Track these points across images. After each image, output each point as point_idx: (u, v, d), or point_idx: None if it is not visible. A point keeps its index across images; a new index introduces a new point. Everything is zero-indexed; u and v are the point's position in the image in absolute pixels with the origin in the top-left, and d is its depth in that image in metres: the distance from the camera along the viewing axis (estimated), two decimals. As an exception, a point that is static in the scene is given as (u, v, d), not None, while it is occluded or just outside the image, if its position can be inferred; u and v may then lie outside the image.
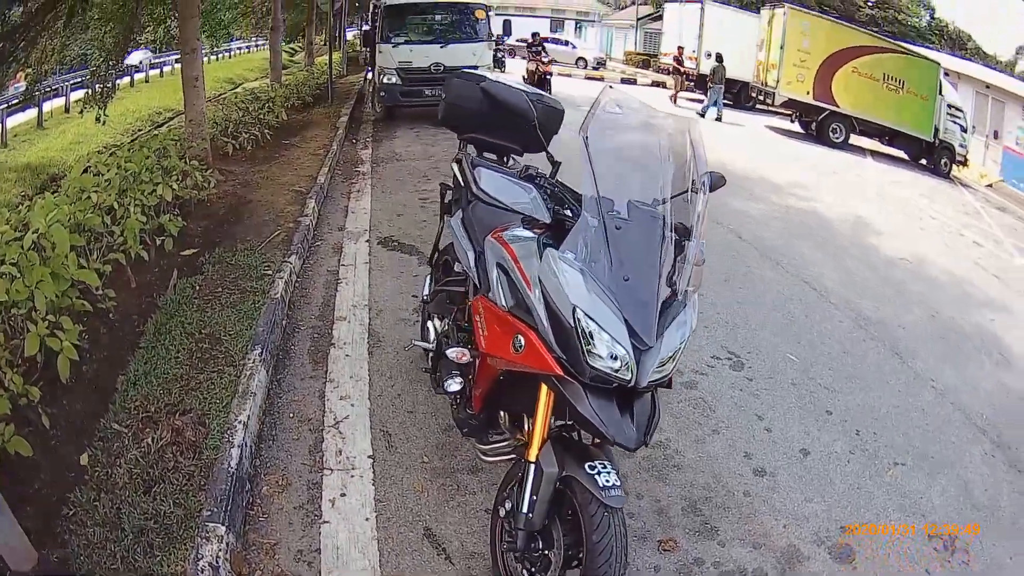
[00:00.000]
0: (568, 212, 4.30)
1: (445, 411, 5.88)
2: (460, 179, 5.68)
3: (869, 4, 28.41)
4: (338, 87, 23.60)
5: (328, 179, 12.68)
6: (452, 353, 4.56)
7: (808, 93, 28.14)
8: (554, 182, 4.52)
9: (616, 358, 3.46)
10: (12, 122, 25.70)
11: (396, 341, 7.15)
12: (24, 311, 5.26)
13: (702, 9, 35.68)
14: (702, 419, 6.34)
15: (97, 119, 15.82)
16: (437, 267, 6.33)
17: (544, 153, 5.53)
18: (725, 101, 30.81)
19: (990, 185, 30.93)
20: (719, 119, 28.84)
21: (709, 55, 31.80)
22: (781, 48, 28.33)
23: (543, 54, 26.81)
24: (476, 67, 17.96)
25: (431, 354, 5.70)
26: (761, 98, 31.18)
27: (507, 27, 23.92)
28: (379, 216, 11.09)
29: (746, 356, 7.55)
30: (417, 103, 18.96)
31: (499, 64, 28.78)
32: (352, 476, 5.23)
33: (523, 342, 3.77)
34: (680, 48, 33.57)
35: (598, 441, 3.86)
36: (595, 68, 48.30)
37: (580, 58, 51.08)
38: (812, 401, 7.01)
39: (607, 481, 3.57)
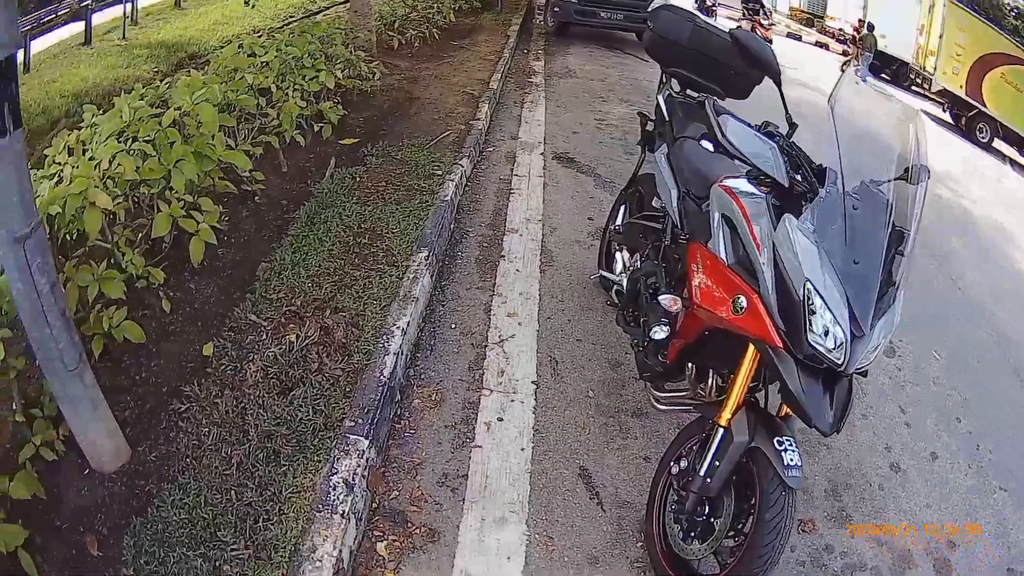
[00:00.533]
0: (799, 177, 3.92)
1: (616, 345, 5.66)
2: (665, 113, 5.55)
3: (1014, 15, 27.29)
4: None
5: (500, 85, 12.04)
6: (665, 300, 4.33)
7: (961, 87, 27.55)
8: (791, 143, 4.09)
9: (835, 339, 3.31)
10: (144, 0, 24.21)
11: (569, 263, 6.73)
12: (156, 189, 4.79)
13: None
14: (856, 401, 5.74)
15: (246, 1, 14.47)
16: (631, 197, 6.12)
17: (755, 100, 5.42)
18: (884, 77, 30.96)
19: None
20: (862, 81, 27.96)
21: (871, 26, 31.46)
22: (940, 37, 28.16)
23: (762, 13, 25.20)
24: None
25: (615, 287, 5.53)
26: (919, 81, 31.05)
27: None
28: (554, 130, 10.48)
29: (898, 344, 7.04)
30: (592, 23, 18.36)
31: (708, 12, 28.20)
32: (512, 400, 4.91)
33: (745, 303, 3.59)
34: (861, 20, 32.18)
35: (785, 413, 3.75)
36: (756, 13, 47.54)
37: (749, 4, 50.33)
38: (947, 404, 6.60)
39: (792, 459, 3.50)
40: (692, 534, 3.78)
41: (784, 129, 4.30)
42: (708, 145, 5.00)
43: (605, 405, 5.05)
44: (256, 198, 6.10)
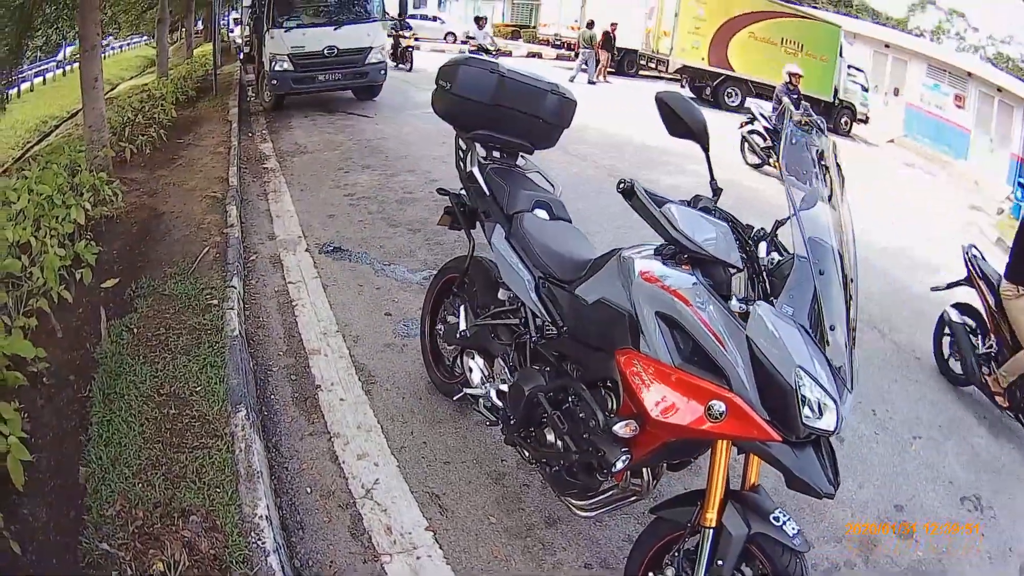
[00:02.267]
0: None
1: (486, 458, 5.42)
2: (484, 187, 5.24)
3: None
4: (220, 80, 22.79)
5: (238, 179, 11.61)
6: (620, 429, 3.83)
7: (703, 59, 29.66)
8: (724, 212, 3.81)
9: (824, 411, 3.19)
10: None
11: (392, 374, 6.35)
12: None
13: (584, -23, 36.62)
14: None
15: None
16: (463, 291, 5.73)
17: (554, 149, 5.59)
18: (609, 69, 32.47)
19: (891, 140, 33.36)
20: (592, 82, 30.33)
21: (591, 23, 32.48)
22: (676, 16, 29.64)
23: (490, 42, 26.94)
24: (371, 48, 18.46)
25: (481, 402, 5.15)
26: (652, 65, 33.20)
27: (403, 5, 23.31)
28: (307, 219, 10.19)
29: None
30: (311, 89, 18.56)
31: (403, 58, 29.13)
32: (419, 558, 4.47)
33: (724, 408, 3.34)
34: (614, 25, 32.87)
35: (753, 484, 3.69)
36: (463, 42, 48.35)
37: (449, 32, 51.32)
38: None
39: (793, 529, 3.43)
40: None
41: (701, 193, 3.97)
42: (543, 214, 4.97)
43: (512, 526, 4.79)
44: (44, 380, 5.47)
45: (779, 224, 3.68)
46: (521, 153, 5.65)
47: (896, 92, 35.36)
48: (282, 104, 18.88)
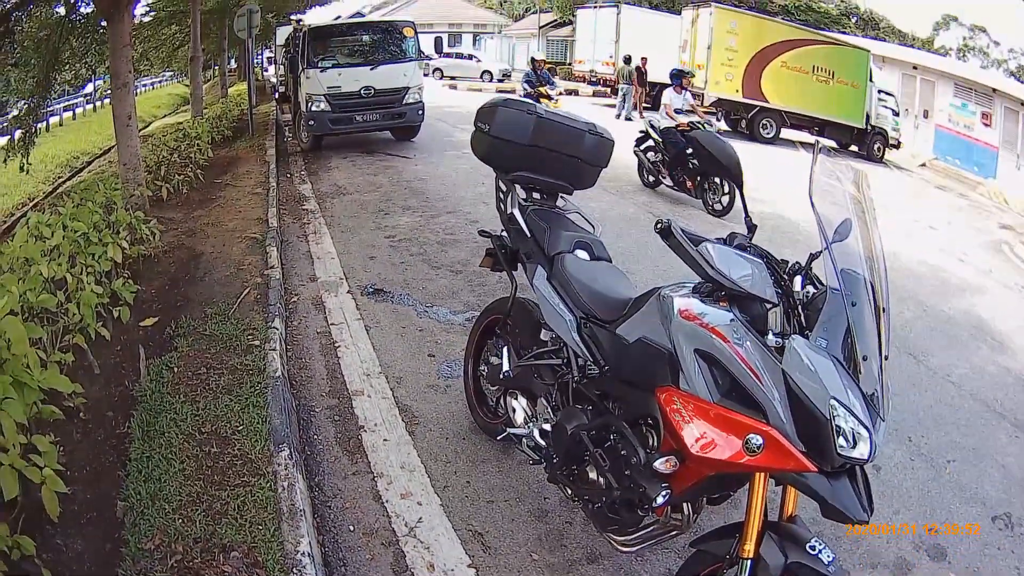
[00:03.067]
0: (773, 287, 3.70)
1: (529, 495, 5.39)
2: (525, 228, 5.31)
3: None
4: (255, 119, 22.75)
5: (278, 221, 11.64)
6: (660, 465, 3.88)
7: (737, 91, 29.04)
8: (759, 247, 3.85)
9: (857, 440, 3.19)
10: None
11: (435, 415, 6.30)
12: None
13: (618, 13, 36.75)
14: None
15: (21, 168, 15.14)
16: (505, 332, 5.75)
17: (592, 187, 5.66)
18: (646, 105, 31.94)
19: (923, 164, 32.82)
20: (629, 119, 29.94)
21: (628, 58, 32.59)
22: (708, 48, 29.05)
23: (551, 85, 24.89)
24: (407, 88, 18.39)
25: (524, 441, 5.13)
26: None
27: (439, 45, 23.25)
28: (349, 260, 10.17)
29: None
30: (348, 130, 18.51)
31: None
32: None
33: (761, 441, 3.39)
34: (644, 59, 32.92)
35: (792, 514, 3.67)
36: (500, 80, 48.47)
37: (485, 71, 51.65)
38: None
39: (829, 558, 3.41)
40: None
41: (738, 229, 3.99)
42: (584, 254, 4.97)
43: (554, 562, 4.75)
44: (81, 415, 5.46)
45: (813, 257, 3.66)
46: (561, 194, 5.68)
47: (926, 114, 35.09)
48: (320, 145, 18.90)
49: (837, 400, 3.17)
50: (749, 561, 3.46)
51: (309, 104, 18.04)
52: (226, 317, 7.47)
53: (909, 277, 12.17)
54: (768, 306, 3.61)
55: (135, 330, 6.97)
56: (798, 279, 3.63)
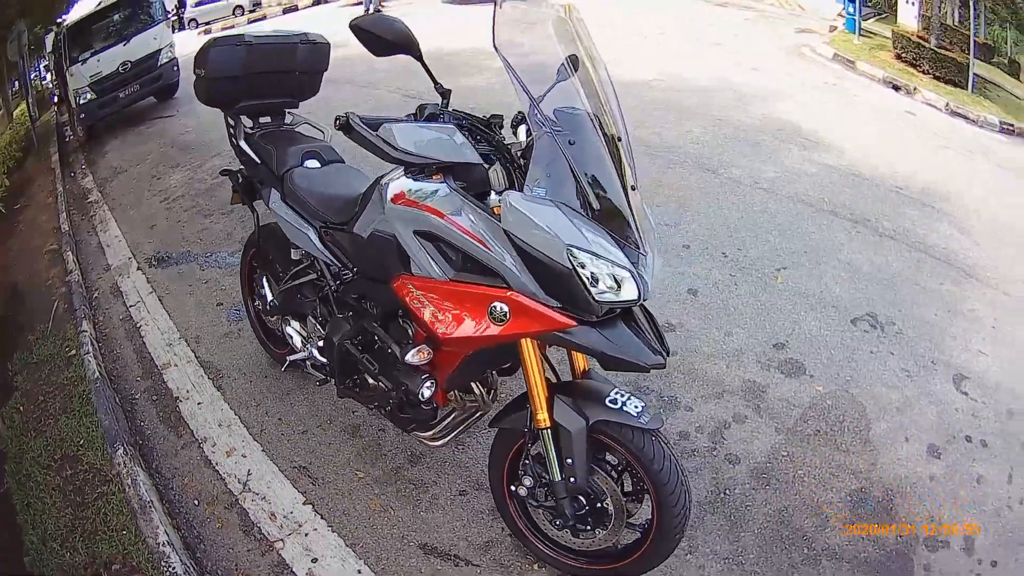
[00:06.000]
0: (483, 143, 3.56)
1: (338, 414, 5.52)
2: (254, 157, 5.19)
3: None
4: (39, 129, 22.23)
5: (69, 224, 11.53)
6: (412, 357, 3.91)
7: None
8: (456, 112, 3.69)
9: (618, 282, 3.05)
10: None
11: (235, 363, 6.46)
12: None
13: None
14: None
15: None
16: (263, 262, 5.76)
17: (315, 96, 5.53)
18: None
19: None
20: (378, 10, 27.58)
21: None
22: None
23: None
24: (159, 50, 18.07)
25: (309, 363, 5.12)
26: None
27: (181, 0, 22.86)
28: (134, 237, 10.17)
29: None
30: (115, 109, 18.06)
31: None
32: (307, 535, 4.58)
33: (506, 308, 3.26)
34: None
35: (585, 369, 3.68)
36: (251, 10, 46.82)
37: (237, 6, 49.48)
38: (663, 241, 7.02)
39: (636, 407, 3.35)
40: (593, 530, 3.67)
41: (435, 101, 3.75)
42: (314, 163, 4.95)
43: (380, 475, 4.89)
44: None
45: (534, 106, 3.28)
46: (288, 110, 5.59)
47: None
48: (94, 134, 18.35)
49: (573, 246, 3.02)
50: (548, 431, 3.42)
51: (77, 98, 17.56)
52: (45, 336, 7.55)
53: (695, 95, 12.16)
54: (486, 167, 3.38)
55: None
56: (523, 129, 3.51)
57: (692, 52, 15.97)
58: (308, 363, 5.15)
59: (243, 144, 5.30)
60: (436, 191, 3.49)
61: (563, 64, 3.41)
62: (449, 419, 4.29)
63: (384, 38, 3.47)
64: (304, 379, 5.80)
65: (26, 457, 5.76)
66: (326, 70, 5.52)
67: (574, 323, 3.13)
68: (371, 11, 28.00)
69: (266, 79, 5.23)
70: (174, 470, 5.37)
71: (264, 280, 5.73)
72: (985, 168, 10.49)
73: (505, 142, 3.47)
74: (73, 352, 7.03)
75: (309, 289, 4.95)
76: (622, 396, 3.38)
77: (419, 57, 3.63)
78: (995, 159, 11.08)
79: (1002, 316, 6.37)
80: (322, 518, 4.66)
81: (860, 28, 18.78)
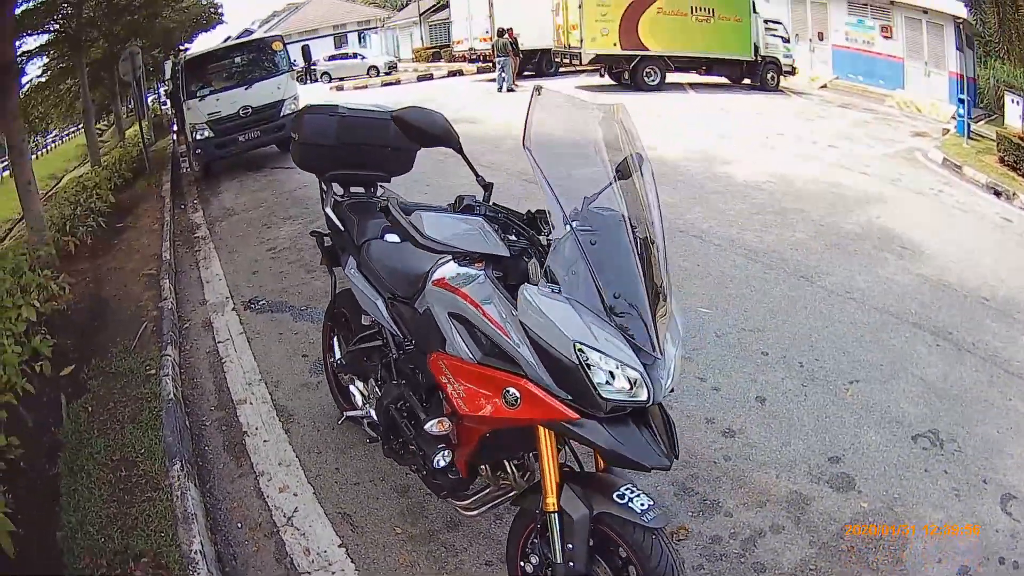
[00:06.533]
0: (513, 237, 3.64)
1: (392, 473, 5.59)
2: (339, 224, 5.39)
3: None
4: (152, 154, 22.76)
5: (171, 253, 12.03)
6: (431, 427, 4.10)
7: (615, 44, 28.64)
8: (492, 207, 3.78)
9: (630, 382, 3.12)
10: None
11: (307, 411, 6.67)
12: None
13: (488, -12, 35.28)
14: None
15: None
16: (338, 323, 5.98)
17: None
18: (529, 72, 32.62)
19: (824, 86, 32.13)
20: (511, 89, 29.57)
21: (501, 31, 31.86)
22: (580, 7, 28.62)
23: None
24: (283, 100, 18.45)
25: (366, 421, 5.32)
26: (566, 61, 31.58)
27: (307, 53, 23.41)
28: (235, 279, 10.57)
29: None
30: (233, 151, 18.50)
31: None
32: (333, 573, 4.75)
33: (518, 394, 3.36)
34: (510, 29, 32.17)
35: (605, 465, 3.66)
36: (387, 73, 47.89)
37: (371, 67, 50.79)
38: (743, 346, 7.09)
39: (642, 504, 3.33)
40: None
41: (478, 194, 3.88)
42: (393, 237, 4.95)
43: (417, 533, 4.99)
44: (21, 464, 5.97)
45: (589, 200, 3.47)
46: (380, 184, 5.73)
47: (821, 36, 33.97)
48: (210, 170, 18.87)
49: (581, 343, 3.08)
50: (555, 515, 3.42)
51: (194, 133, 18.10)
52: (128, 353, 7.91)
53: (803, 199, 12.22)
54: (526, 259, 3.51)
55: (56, 380, 7.34)
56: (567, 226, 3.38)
57: (807, 153, 16.15)
58: (365, 421, 5.36)
59: (329, 211, 5.54)
60: (474, 278, 3.67)
61: (612, 171, 3.55)
62: (483, 493, 4.36)
63: (425, 131, 3.61)
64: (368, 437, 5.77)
65: (84, 451, 6.10)
66: (419, 149, 5.40)
67: (577, 416, 3.19)
68: (503, 89, 28.42)
69: (357, 151, 5.40)
70: (226, 494, 5.67)
71: (336, 339, 6.00)
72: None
73: (548, 236, 3.57)
74: (153, 371, 7.35)
75: (374, 354, 5.12)
76: (632, 492, 3.39)
77: (459, 150, 3.74)
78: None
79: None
80: (352, 562, 4.82)
81: (969, 131, 18.52)
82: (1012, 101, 18.06)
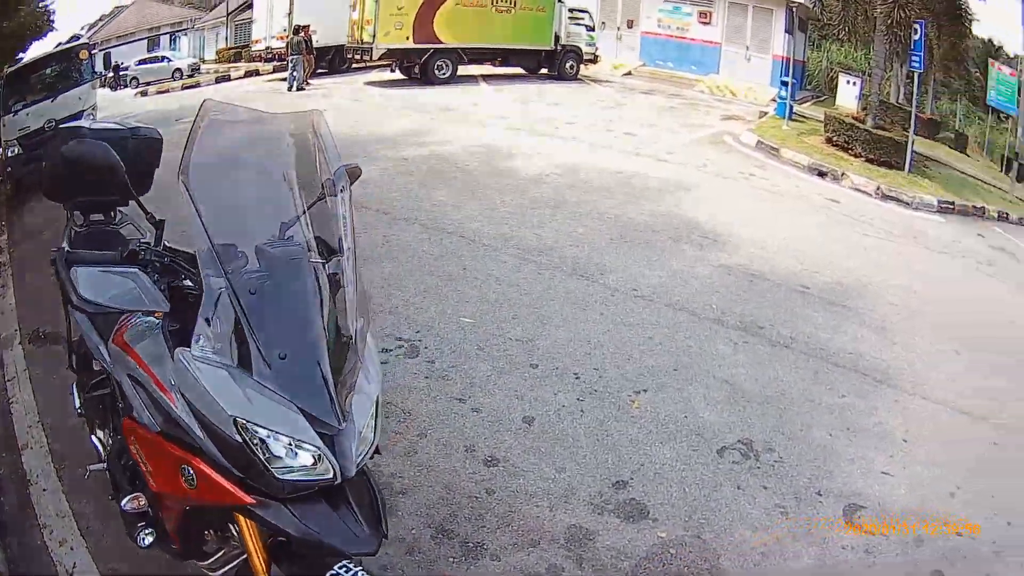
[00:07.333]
0: (188, 282, 3.34)
1: None
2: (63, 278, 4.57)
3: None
4: None
5: None
6: (126, 505, 3.55)
7: (408, 39, 28.39)
8: (160, 250, 3.41)
9: (314, 457, 2.82)
10: None
11: (76, 450, 5.72)
12: None
13: (288, -14, 35.07)
14: (401, 428, 5.66)
15: None
16: (80, 366, 5.09)
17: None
18: (322, 70, 32.05)
19: (629, 73, 32.25)
20: (302, 88, 29.08)
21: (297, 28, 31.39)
22: (376, 2, 28.31)
23: None
24: (83, 112, 17.44)
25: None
26: (357, 57, 31.21)
27: (107, 59, 22.71)
28: (24, 309, 9.51)
29: (416, 337, 6.77)
30: (37, 168, 17.27)
31: None
32: None
33: (193, 474, 2.98)
34: (307, 27, 31.43)
35: None
36: (190, 75, 46.83)
37: (176, 70, 49.35)
38: (508, 359, 6.60)
39: None
40: None
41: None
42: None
43: None
44: None
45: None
46: (118, 208, 5.25)
47: (630, 24, 33.59)
48: (23, 186, 17.26)
49: (241, 419, 2.78)
50: None
51: (6, 151, 17.15)
52: None
53: (589, 191, 11.84)
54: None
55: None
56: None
57: (599, 142, 15.77)
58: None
59: (64, 244, 4.95)
60: (150, 333, 3.36)
61: (300, 199, 3.28)
62: (220, 554, 3.63)
63: (97, 169, 3.33)
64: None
65: None
66: (158, 166, 5.07)
67: (250, 500, 2.86)
68: (294, 88, 28.32)
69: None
70: (22, 553, 4.95)
71: (72, 384, 5.23)
72: (913, 253, 10.32)
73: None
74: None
75: (108, 402, 4.43)
76: (346, 571, 2.92)
77: (135, 197, 3.47)
78: (926, 242, 10.99)
79: (916, 427, 6.08)
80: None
81: (791, 112, 19.02)
82: (847, 82, 19.00)
